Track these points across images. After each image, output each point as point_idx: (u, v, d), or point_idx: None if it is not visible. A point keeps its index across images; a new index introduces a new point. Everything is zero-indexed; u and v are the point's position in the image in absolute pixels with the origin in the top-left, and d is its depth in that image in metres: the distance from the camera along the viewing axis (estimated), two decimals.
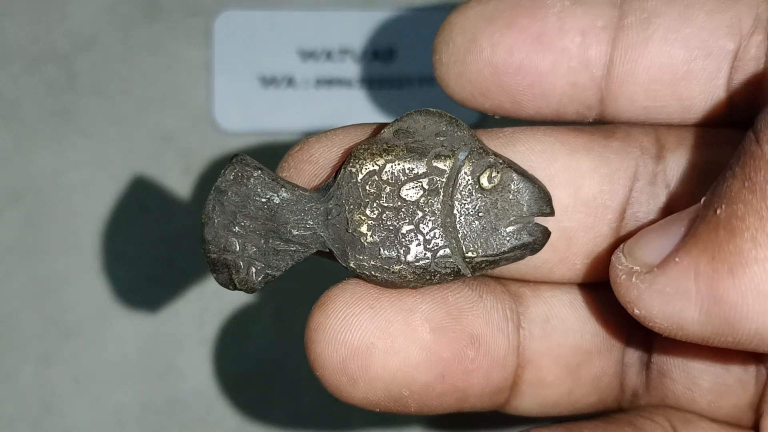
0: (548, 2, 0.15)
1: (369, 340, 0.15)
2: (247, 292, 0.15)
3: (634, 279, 0.14)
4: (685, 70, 0.15)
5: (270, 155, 0.32)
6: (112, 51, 0.33)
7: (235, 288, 0.15)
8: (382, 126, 0.16)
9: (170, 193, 0.32)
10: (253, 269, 0.15)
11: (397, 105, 0.33)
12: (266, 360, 0.30)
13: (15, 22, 0.33)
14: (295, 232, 0.15)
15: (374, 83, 0.33)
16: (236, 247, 0.15)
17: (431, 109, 0.16)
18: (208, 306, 0.31)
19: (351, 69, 0.33)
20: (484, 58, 0.15)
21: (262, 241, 0.15)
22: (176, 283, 0.31)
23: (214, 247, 0.15)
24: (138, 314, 0.30)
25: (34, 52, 0.33)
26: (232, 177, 0.16)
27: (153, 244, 0.31)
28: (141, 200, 0.32)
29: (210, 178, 0.32)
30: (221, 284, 0.16)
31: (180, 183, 0.32)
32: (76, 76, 0.33)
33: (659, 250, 0.14)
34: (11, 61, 0.33)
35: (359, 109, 0.33)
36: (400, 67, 0.34)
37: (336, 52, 0.34)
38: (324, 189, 0.15)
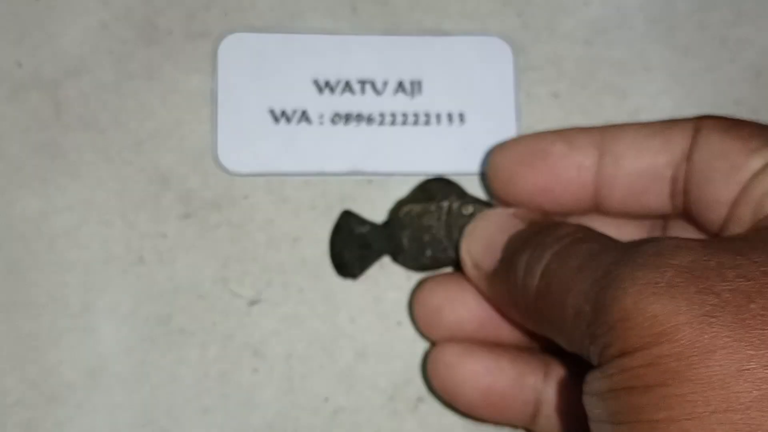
0: (554, 149, 0.24)
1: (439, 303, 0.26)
2: (353, 279, 0.27)
3: None
4: (641, 190, 0.23)
5: (280, 199, 0.28)
6: (103, 78, 0.28)
7: (347, 277, 0.27)
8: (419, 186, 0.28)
9: (168, 241, 0.28)
10: (356, 267, 0.27)
11: (422, 144, 0.29)
12: None
13: None
14: (374, 246, 0.27)
15: (398, 119, 0.29)
16: (347, 257, 0.27)
17: (439, 178, 0.28)
18: (209, 370, 0.27)
19: (372, 102, 0.29)
20: (521, 188, 0.24)
21: (358, 251, 0.27)
22: (174, 344, 0.27)
23: (338, 257, 0.27)
24: (131, 379, 0.26)
25: (15, 78, 0.28)
26: (342, 221, 0.27)
27: (148, 300, 0.27)
28: (135, 249, 0.27)
29: (213, 224, 0.28)
30: (342, 276, 0.27)
31: (179, 230, 0.28)
32: (63, 107, 0.28)
33: None
34: None
35: (380, 148, 0.29)
36: (426, 101, 0.29)
37: (355, 83, 0.29)
38: (386, 223, 0.27)
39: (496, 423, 0.25)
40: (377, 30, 0.29)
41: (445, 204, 0.26)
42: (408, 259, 0.27)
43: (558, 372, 0.24)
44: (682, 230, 0.23)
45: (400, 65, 0.29)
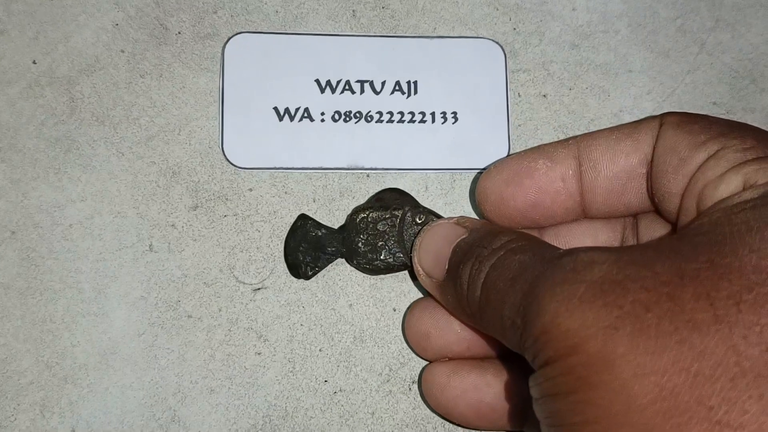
0: (537, 166, 0.25)
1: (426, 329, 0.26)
2: (306, 280, 0.28)
3: None
4: (621, 191, 0.24)
5: (283, 192, 0.29)
6: (116, 76, 0.29)
7: (299, 277, 0.28)
8: (378, 194, 0.29)
9: (177, 231, 0.29)
10: (308, 268, 0.28)
11: (418, 141, 0.30)
12: (277, 412, 0.28)
13: (12, 41, 0.29)
14: (329, 249, 0.28)
15: (395, 117, 0.30)
16: (300, 257, 0.28)
17: (394, 187, 0.29)
18: (215, 353, 0.28)
19: (370, 101, 0.30)
20: (511, 206, 0.25)
21: (313, 254, 0.28)
22: (182, 328, 0.28)
23: (290, 257, 0.28)
24: (140, 361, 0.27)
25: (31, 76, 0.29)
26: (299, 224, 0.29)
27: (158, 286, 0.28)
28: (146, 238, 0.28)
29: (220, 215, 0.29)
30: (294, 277, 0.28)
31: (187, 220, 0.29)
32: (78, 103, 0.29)
33: None
34: (7, 84, 0.29)
35: (378, 145, 0.30)
36: (422, 101, 0.30)
37: (354, 83, 0.30)
38: (341, 228, 0.29)
39: (494, 431, 0.26)
40: (376, 33, 0.30)
41: (399, 212, 0.28)
42: (362, 263, 0.28)
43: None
44: (656, 225, 0.24)
45: (397, 66, 0.30)
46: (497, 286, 0.20)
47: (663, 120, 0.22)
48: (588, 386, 0.17)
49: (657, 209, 0.23)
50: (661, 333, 0.16)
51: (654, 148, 0.22)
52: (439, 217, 0.28)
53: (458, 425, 0.27)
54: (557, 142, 0.25)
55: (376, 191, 0.29)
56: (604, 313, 0.17)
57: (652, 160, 0.23)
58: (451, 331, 0.25)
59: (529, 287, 0.19)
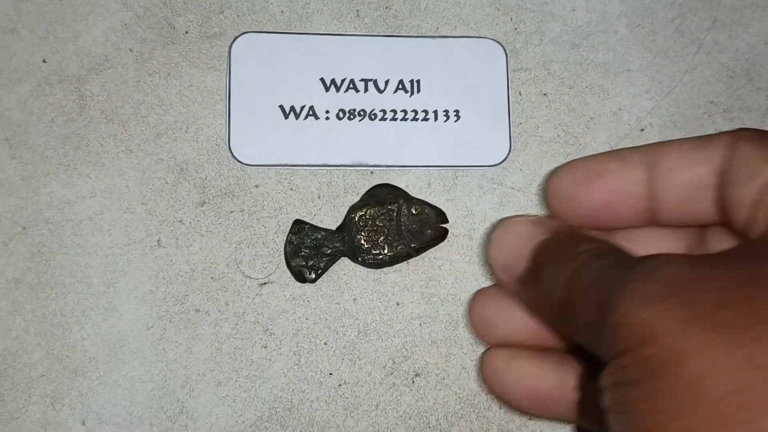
0: (609, 168, 0.24)
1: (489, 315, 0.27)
2: (311, 283, 0.29)
3: None
4: (690, 200, 0.24)
5: (288, 188, 0.30)
6: (125, 74, 0.30)
7: (305, 282, 0.29)
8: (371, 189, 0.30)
9: (185, 227, 0.29)
10: (312, 272, 0.29)
11: (420, 138, 0.30)
12: (283, 404, 0.28)
13: (22, 40, 0.30)
14: (329, 251, 0.29)
15: (398, 115, 0.31)
16: (303, 262, 0.29)
17: (385, 183, 0.30)
18: (222, 346, 0.28)
19: (374, 99, 0.31)
20: (580, 206, 0.25)
21: (315, 257, 0.29)
22: (190, 322, 0.28)
23: (293, 263, 0.29)
24: (149, 354, 0.28)
25: (42, 74, 0.30)
26: (296, 230, 0.29)
27: (166, 281, 0.28)
28: (154, 234, 0.29)
29: (227, 211, 0.29)
30: (300, 282, 0.29)
31: (195, 216, 0.29)
32: (87, 101, 0.29)
33: None
34: (18, 83, 0.29)
35: (382, 142, 0.30)
36: (424, 99, 0.31)
37: (359, 81, 0.31)
38: (340, 227, 0.29)
39: (546, 419, 0.27)
40: (380, 32, 0.31)
41: (395, 207, 0.29)
42: (367, 258, 0.29)
43: (594, 372, 0.26)
44: (723, 237, 0.25)
45: (400, 65, 0.30)
46: (578, 288, 0.21)
47: (737, 135, 0.23)
48: (660, 376, 0.17)
49: (725, 222, 0.24)
50: (735, 330, 0.17)
51: (727, 159, 0.23)
52: (431, 206, 0.29)
53: (514, 410, 0.27)
54: (628, 148, 0.26)
55: (368, 189, 0.29)
56: (680, 309, 0.18)
57: (724, 172, 0.23)
58: (513, 320, 0.26)
59: (607, 287, 0.20)
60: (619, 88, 0.31)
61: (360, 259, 0.28)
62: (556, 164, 0.30)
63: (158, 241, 0.29)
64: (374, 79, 0.30)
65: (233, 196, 0.29)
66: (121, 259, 0.28)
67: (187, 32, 0.30)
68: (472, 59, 0.31)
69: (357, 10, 0.31)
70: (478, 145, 0.30)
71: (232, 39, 0.30)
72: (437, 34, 0.31)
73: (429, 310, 0.29)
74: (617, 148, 0.30)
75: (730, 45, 0.32)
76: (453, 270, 0.29)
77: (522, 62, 0.31)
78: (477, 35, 0.31)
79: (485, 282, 0.29)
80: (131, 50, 0.30)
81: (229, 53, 0.30)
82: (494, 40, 0.31)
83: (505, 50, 0.31)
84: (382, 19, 0.31)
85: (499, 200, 0.30)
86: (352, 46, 0.30)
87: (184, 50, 0.30)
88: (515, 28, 0.31)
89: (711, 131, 0.31)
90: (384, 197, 0.29)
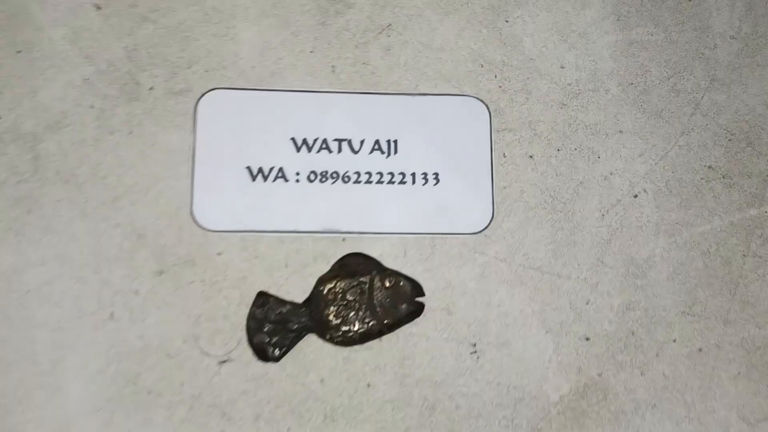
0: None
1: None
2: (275, 362, 0.26)
3: None
4: None
5: (253, 256, 0.28)
6: (83, 132, 0.27)
7: (268, 361, 0.26)
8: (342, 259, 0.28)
9: (141, 298, 0.27)
10: (276, 350, 0.26)
11: (397, 203, 0.28)
12: None
13: None
14: (295, 326, 0.26)
15: (373, 177, 0.29)
16: (266, 339, 0.26)
17: (356, 252, 0.27)
18: None
19: (348, 161, 0.29)
20: None
21: (280, 333, 0.26)
22: (141, 404, 0.26)
23: (255, 340, 0.26)
24: None
25: None
26: (259, 303, 0.27)
27: (118, 358, 0.26)
28: (107, 306, 0.26)
29: (186, 281, 0.27)
30: (263, 360, 0.26)
31: (152, 286, 0.27)
32: (42, 160, 0.27)
33: None
34: None
35: (355, 207, 0.28)
36: (402, 161, 0.29)
37: (332, 141, 0.29)
38: (307, 301, 0.27)
39: None
40: (356, 89, 0.29)
41: (367, 279, 0.26)
42: (335, 336, 0.26)
43: None
44: None
45: (377, 125, 0.28)
46: None
47: None
48: None
49: None
50: None
51: None
52: (406, 278, 0.27)
53: None
54: None
55: (339, 259, 0.27)
56: None
57: None
58: None
59: None
60: (610, 151, 0.29)
61: (328, 335, 0.26)
62: (543, 232, 0.28)
63: (111, 314, 0.26)
64: (348, 138, 0.28)
65: (194, 264, 0.27)
66: (70, 333, 0.26)
67: (152, 88, 0.28)
68: (454, 118, 0.29)
69: (332, 66, 0.29)
70: (459, 210, 0.28)
71: (199, 95, 0.28)
72: (417, 92, 0.29)
73: (402, 392, 0.26)
74: (608, 214, 0.28)
75: (728, 106, 0.30)
76: (429, 348, 0.27)
77: (507, 122, 0.29)
78: (459, 93, 0.29)
79: (464, 361, 0.27)
80: (92, 107, 0.28)
81: (195, 111, 0.28)
82: (477, 98, 0.29)
83: (488, 109, 0.29)
84: (358, 75, 0.29)
85: (481, 271, 0.28)
86: (326, 103, 0.29)
87: (148, 107, 0.28)
88: (500, 86, 0.29)
89: (709, 198, 0.29)
90: (355, 268, 0.27)
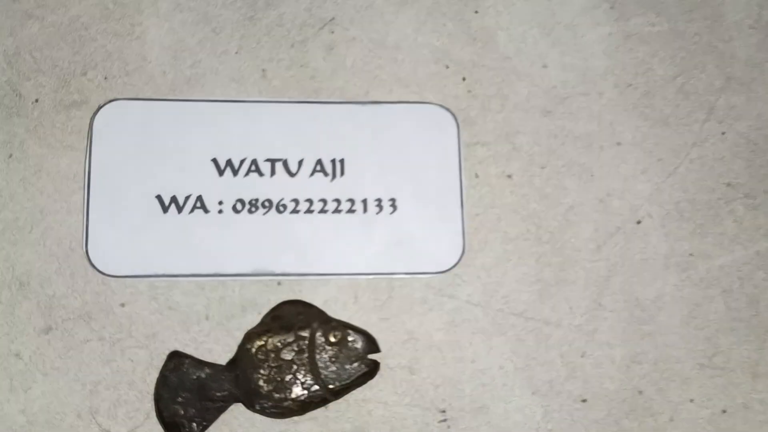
0: None
1: None
2: None
3: None
4: None
5: (166, 307, 0.23)
6: None
7: None
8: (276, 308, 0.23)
9: (23, 363, 0.22)
10: (195, 424, 0.22)
11: (345, 236, 0.23)
12: None
13: None
14: (218, 394, 0.22)
15: (315, 205, 0.24)
16: (181, 411, 0.22)
17: (293, 299, 0.23)
18: None
19: (283, 186, 0.24)
20: None
21: (198, 404, 0.22)
22: None
23: (166, 413, 0.22)
24: None
25: None
26: (172, 366, 0.22)
27: None
28: None
29: (81, 340, 0.22)
30: None
31: (37, 348, 0.22)
32: None
33: None
34: None
35: (294, 243, 0.23)
36: (349, 184, 0.24)
37: (263, 162, 0.24)
38: (232, 362, 0.22)
39: None
40: (292, 98, 0.24)
41: (306, 333, 0.22)
42: (267, 406, 0.22)
43: None
44: None
45: (318, 141, 0.24)
46: None
47: None
48: None
49: None
50: None
51: None
52: (357, 331, 0.23)
53: None
54: None
55: (272, 308, 0.23)
56: None
57: None
58: None
59: None
60: (606, 168, 0.25)
61: (258, 406, 0.22)
62: (526, 269, 0.24)
63: None
64: (284, 158, 0.24)
65: (90, 318, 0.22)
66: None
67: (37, 100, 0.23)
68: (413, 131, 0.25)
69: (263, 69, 0.24)
70: (421, 244, 0.24)
71: (95, 108, 0.24)
72: (367, 100, 0.25)
73: None
74: (606, 245, 0.24)
75: (748, 110, 0.26)
76: (388, 416, 0.23)
77: (478, 134, 0.25)
78: (419, 100, 0.25)
79: (432, 431, 0.22)
80: None
81: (91, 127, 0.23)
82: (442, 105, 0.25)
83: (456, 119, 0.25)
84: (295, 81, 0.24)
85: (450, 318, 0.24)
86: (255, 115, 0.24)
87: (32, 124, 0.23)
88: (469, 91, 0.25)
89: (729, 223, 0.25)
90: (293, 319, 0.22)
